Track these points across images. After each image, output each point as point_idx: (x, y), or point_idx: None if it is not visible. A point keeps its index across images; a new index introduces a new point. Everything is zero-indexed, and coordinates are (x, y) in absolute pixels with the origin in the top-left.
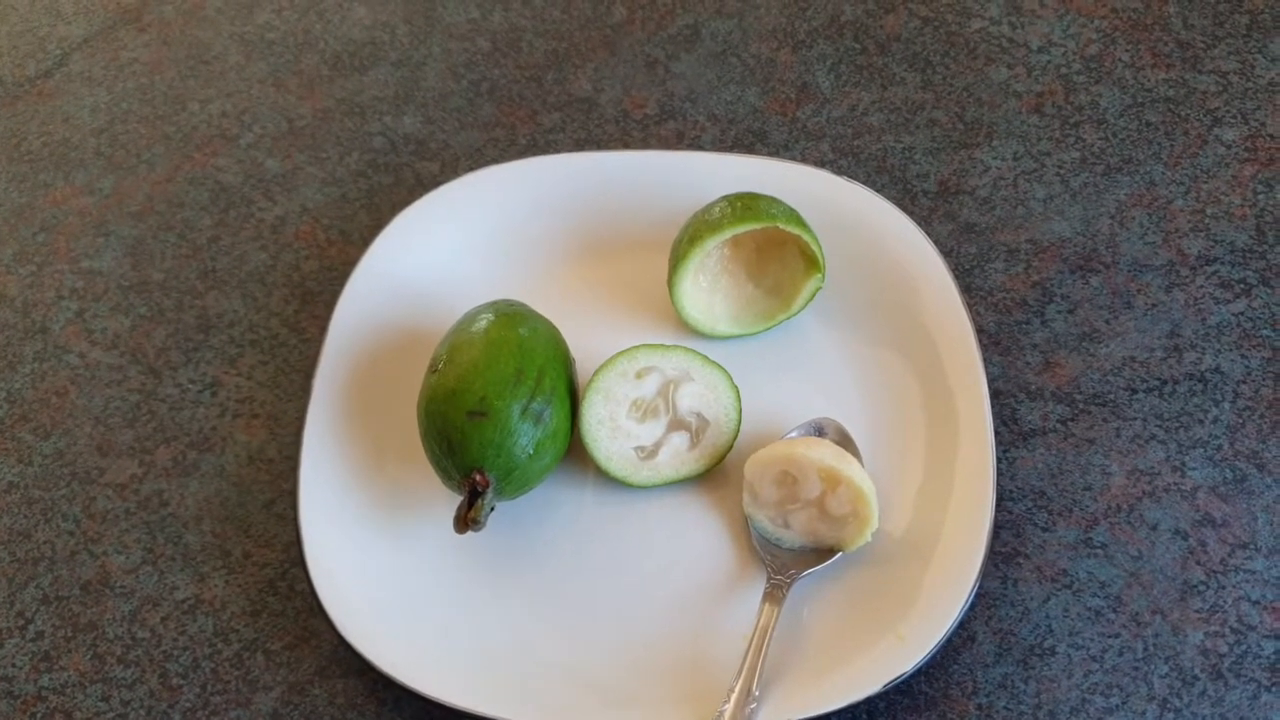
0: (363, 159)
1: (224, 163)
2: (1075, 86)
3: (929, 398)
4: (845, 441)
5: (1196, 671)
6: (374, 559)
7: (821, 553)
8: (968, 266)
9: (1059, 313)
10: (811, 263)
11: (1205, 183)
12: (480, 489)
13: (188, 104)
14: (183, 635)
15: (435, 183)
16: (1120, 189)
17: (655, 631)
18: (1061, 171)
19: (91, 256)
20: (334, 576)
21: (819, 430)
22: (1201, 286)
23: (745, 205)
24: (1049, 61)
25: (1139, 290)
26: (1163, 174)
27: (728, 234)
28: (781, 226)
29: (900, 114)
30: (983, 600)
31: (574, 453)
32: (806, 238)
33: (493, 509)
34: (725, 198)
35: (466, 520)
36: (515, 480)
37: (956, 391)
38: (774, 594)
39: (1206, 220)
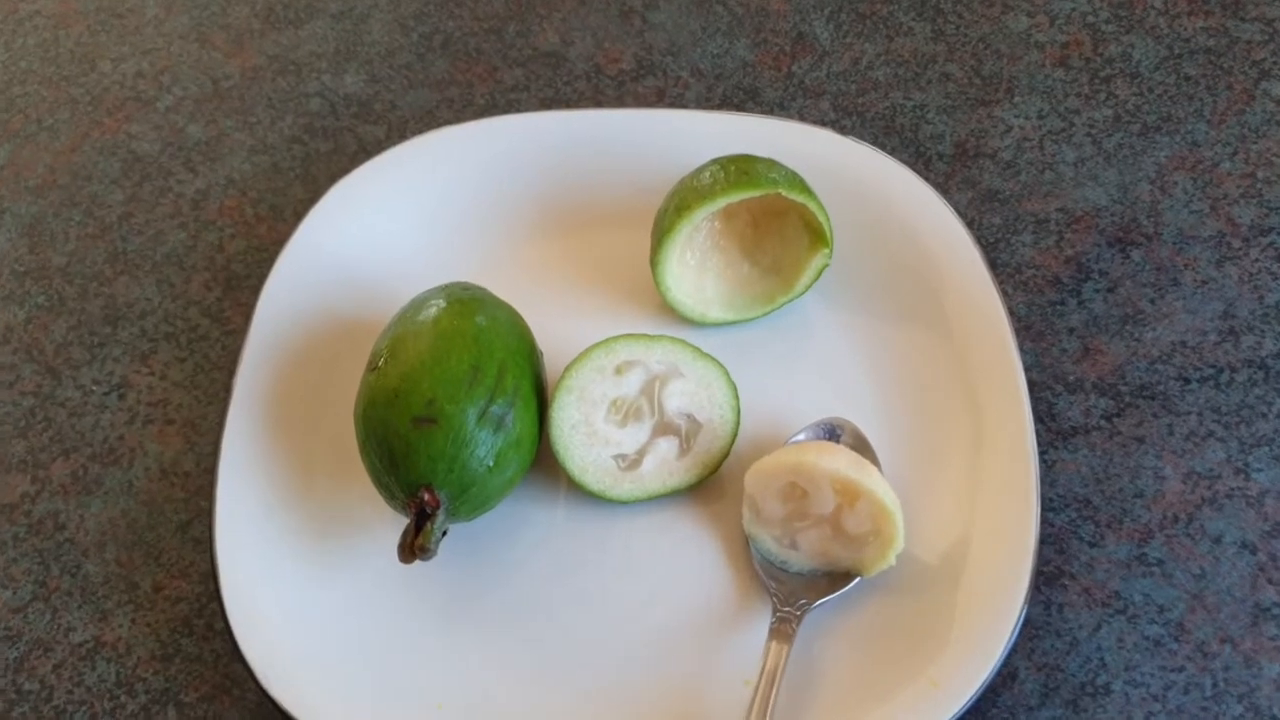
0: (297, 123)
1: (138, 129)
2: (1104, 36)
3: (956, 393)
4: (861, 446)
5: (1275, 710)
6: (303, 594)
7: (836, 578)
8: (991, 240)
9: (1097, 292)
10: (817, 236)
11: (1254, 143)
12: (430, 510)
13: (98, 63)
14: (79, 686)
15: (380, 149)
16: (1160, 150)
17: (640, 677)
18: (1093, 131)
19: None
20: (255, 615)
21: (831, 433)
22: (1257, 260)
23: (740, 169)
24: (1074, 9)
25: (1186, 265)
26: (1206, 133)
27: (721, 202)
28: (784, 194)
29: (909, 68)
30: (1024, 630)
31: (542, 463)
32: (812, 206)
33: (445, 533)
34: (717, 161)
35: (414, 548)
36: (472, 498)
37: (988, 384)
38: (782, 629)
39: (1258, 185)
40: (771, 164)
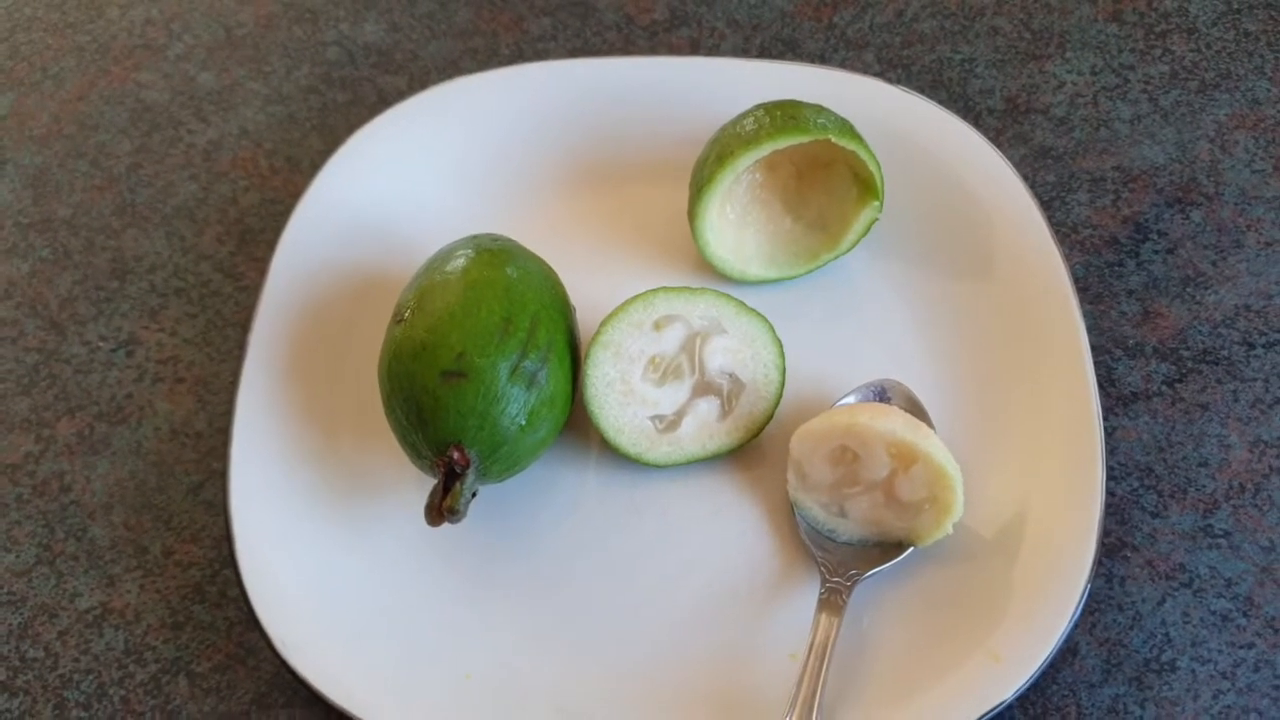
0: (314, 73)
1: (148, 77)
2: None
3: (1013, 355)
4: (914, 409)
5: None
6: (324, 559)
7: (888, 548)
8: (1046, 198)
9: (1156, 253)
10: (866, 188)
11: None
12: (459, 469)
13: (105, 9)
14: (85, 654)
15: (401, 100)
16: (1219, 108)
17: (677, 650)
18: (1149, 88)
19: None
20: (273, 581)
21: (881, 395)
22: None
23: (787, 114)
24: None
25: (1249, 226)
26: (1268, 91)
27: (766, 148)
28: (834, 140)
29: (956, 20)
30: (1085, 604)
31: (575, 423)
32: (862, 154)
33: (474, 495)
34: (761, 106)
35: (442, 509)
36: (503, 458)
37: (1047, 346)
38: (831, 600)
39: None
40: (819, 109)
